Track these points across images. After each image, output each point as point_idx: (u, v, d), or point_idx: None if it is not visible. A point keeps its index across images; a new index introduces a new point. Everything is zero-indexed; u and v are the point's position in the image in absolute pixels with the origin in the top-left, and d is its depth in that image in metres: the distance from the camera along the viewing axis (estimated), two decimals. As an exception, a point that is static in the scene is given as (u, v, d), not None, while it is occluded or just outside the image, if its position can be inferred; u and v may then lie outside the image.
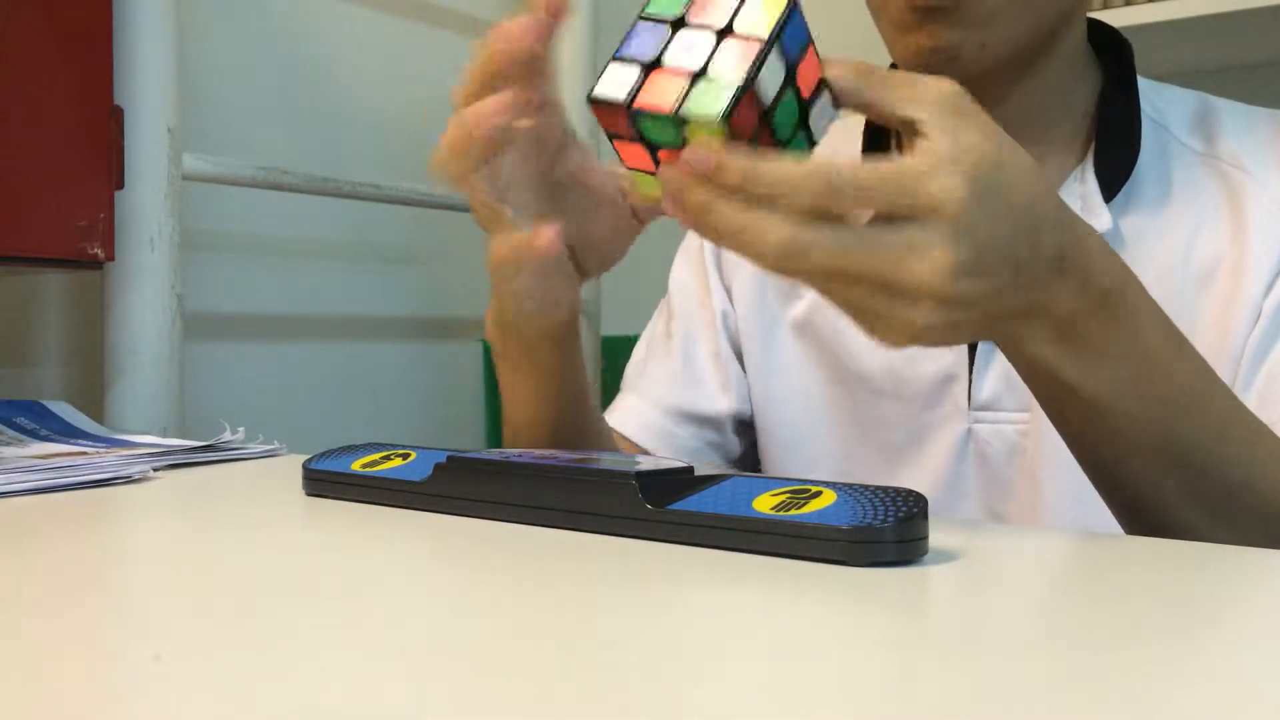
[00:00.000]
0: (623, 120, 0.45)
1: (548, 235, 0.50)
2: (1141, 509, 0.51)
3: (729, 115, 0.42)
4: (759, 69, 0.43)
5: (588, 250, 0.55)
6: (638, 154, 0.47)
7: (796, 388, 0.76)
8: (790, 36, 0.44)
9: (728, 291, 0.80)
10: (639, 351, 0.86)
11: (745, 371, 0.79)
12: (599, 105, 0.46)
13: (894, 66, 0.74)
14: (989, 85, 0.62)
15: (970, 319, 0.44)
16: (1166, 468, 0.50)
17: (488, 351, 1.35)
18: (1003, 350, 0.50)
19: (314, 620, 0.31)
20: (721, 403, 0.78)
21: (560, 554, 0.40)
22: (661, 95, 0.44)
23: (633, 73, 0.45)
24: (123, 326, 0.88)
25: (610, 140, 0.47)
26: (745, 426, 0.80)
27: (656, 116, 0.44)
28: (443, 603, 0.34)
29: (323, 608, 0.33)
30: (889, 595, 0.34)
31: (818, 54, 0.46)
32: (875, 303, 0.44)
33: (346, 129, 1.21)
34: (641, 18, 0.47)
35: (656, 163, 0.46)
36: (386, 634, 0.30)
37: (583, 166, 0.54)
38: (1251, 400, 0.61)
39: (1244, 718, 0.24)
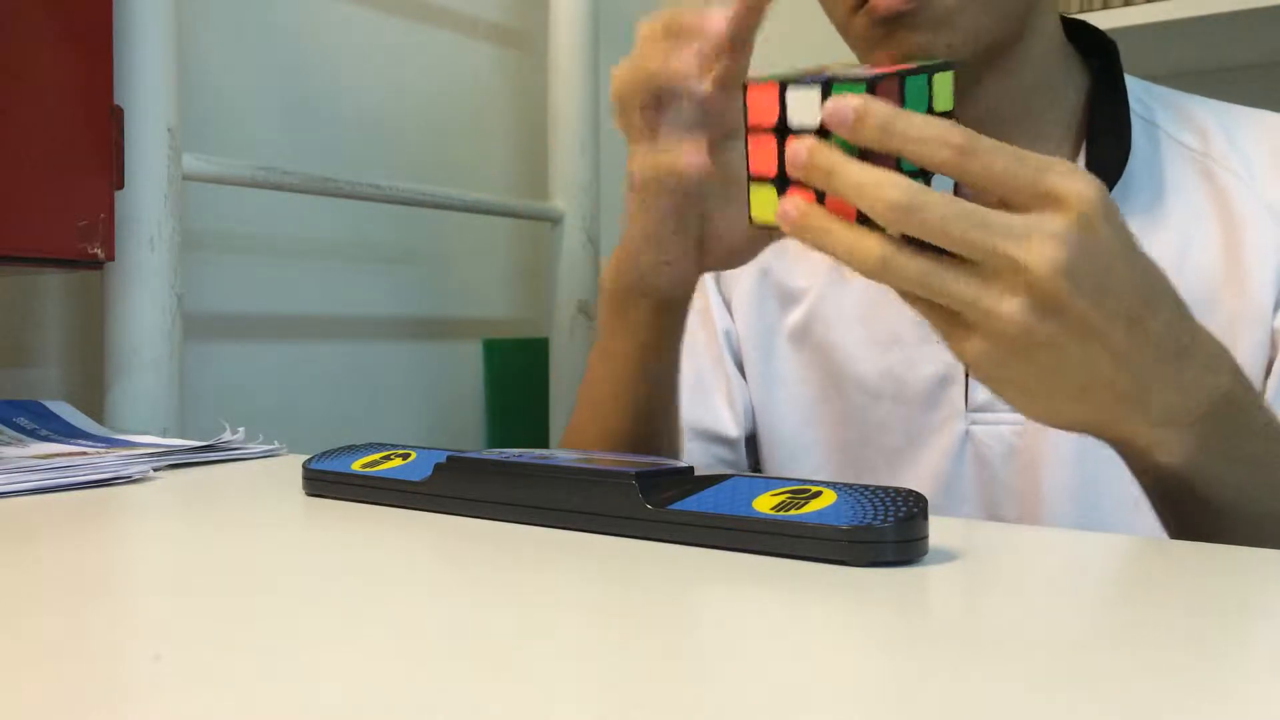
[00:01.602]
0: (772, 98, 0.47)
1: (695, 155, 0.51)
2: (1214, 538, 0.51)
3: (877, 82, 0.44)
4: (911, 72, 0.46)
5: (714, 242, 0.56)
6: (767, 154, 0.48)
7: (795, 395, 0.76)
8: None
9: (728, 306, 0.80)
10: None
11: (746, 382, 0.79)
12: (753, 84, 0.48)
13: None
14: (963, 83, 0.63)
15: (1059, 340, 0.42)
16: (1258, 523, 0.49)
17: (488, 351, 1.35)
18: (1119, 449, 0.48)
19: (314, 620, 0.31)
20: (729, 420, 0.79)
21: (560, 554, 0.40)
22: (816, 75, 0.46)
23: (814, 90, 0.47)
24: (123, 326, 0.88)
25: (745, 138, 0.49)
26: (752, 441, 0.80)
27: (915, 74, 0.46)
28: (442, 602, 0.34)
29: (322, 607, 0.33)
30: (889, 595, 0.34)
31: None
32: (971, 291, 0.42)
33: (346, 129, 1.21)
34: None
35: (782, 166, 0.47)
36: (386, 634, 0.30)
37: (734, 163, 0.54)
38: None
39: (1244, 718, 0.24)
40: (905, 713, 0.24)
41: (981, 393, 0.69)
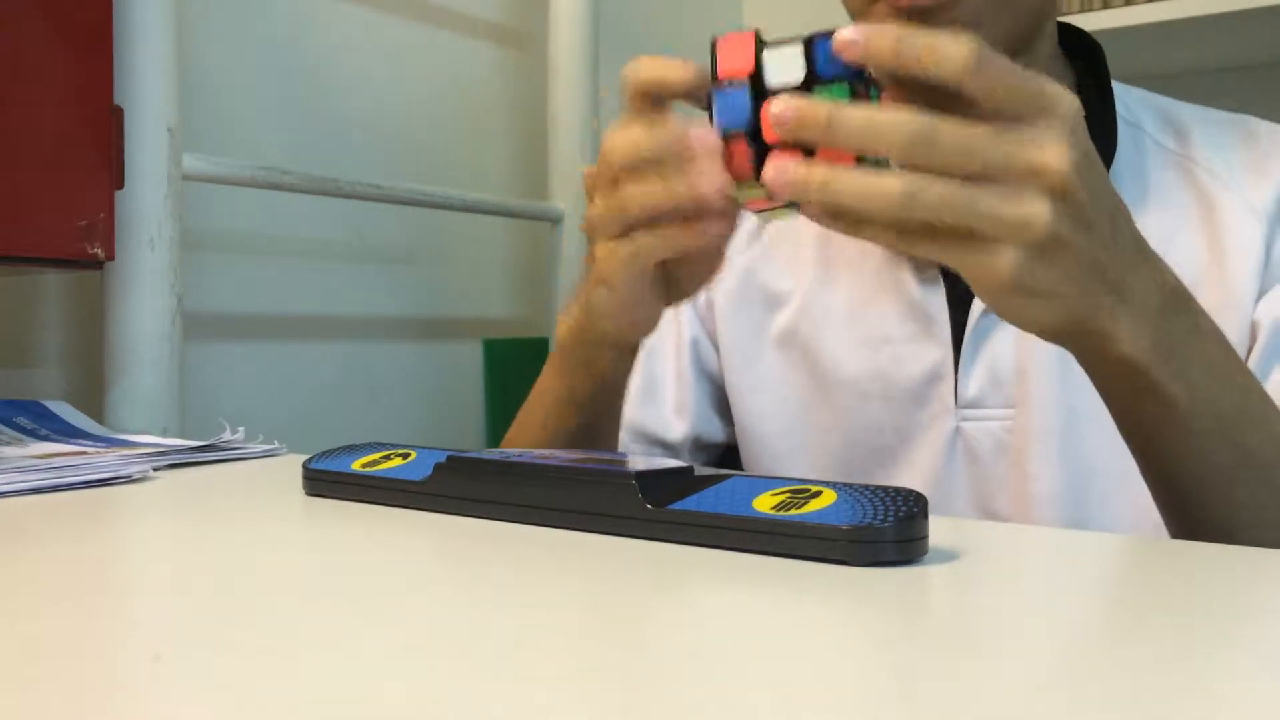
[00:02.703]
0: (748, 57, 0.47)
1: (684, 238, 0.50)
2: (1202, 513, 0.52)
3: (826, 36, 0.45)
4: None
5: (685, 268, 0.55)
6: (741, 159, 0.47)
7: (782, 398, 0.76)
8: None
9: (710, 308, 0.80)
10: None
11: (727, 389, 0.78)
12: (724, 40, 0.47)
13: None
14: None
15: (1073, 238, 0.44)
16: (1235, 473, 0.50)
17: (488, 351, 1.35)
18: (1092, 347, 0.49)
19: (314, 620, 0.31)
20: (676, 427, 0.79)
21: (560, 554, 0.40)
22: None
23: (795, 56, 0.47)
24: (123, 326, 0.88)
25: (725, 142, 0.48)
26: (704, 445, 0.81)
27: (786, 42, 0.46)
28: (443, 602, 0.34)
29: (322, 607, 0.33)
30: (889, 595, 0.34)
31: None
32: (996, 201, 0.43)
33: (346, 129, 1.21)
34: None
35: (758, 168, 0.47)
36: (386, 634, 0.30)
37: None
38: None
39: (1243, 717, 0.24)
40: (905, 713, 0.24)
41: (971, 389, 0.69)
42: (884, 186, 0.43)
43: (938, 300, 0.70)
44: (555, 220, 1.31)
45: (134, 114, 0.87)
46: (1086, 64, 0.72)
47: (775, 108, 0.44)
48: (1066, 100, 0.44)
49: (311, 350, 1.18)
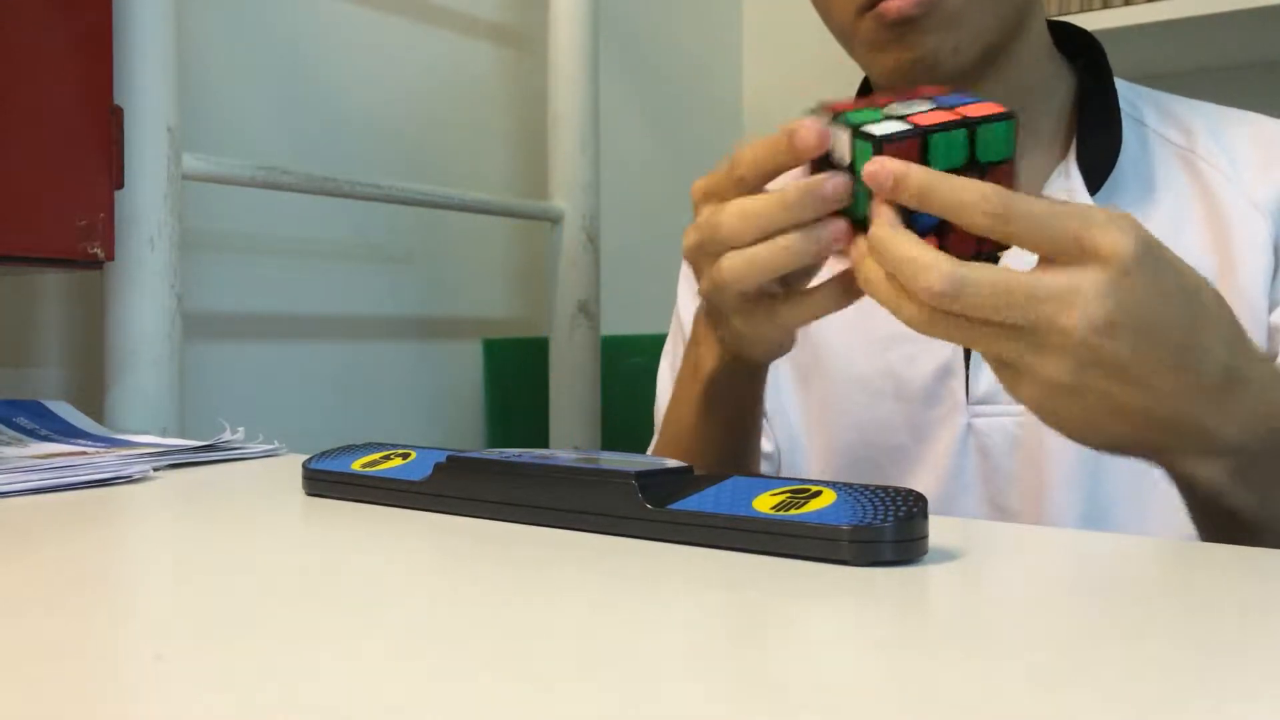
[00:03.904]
0: (913, 154, 0.47)
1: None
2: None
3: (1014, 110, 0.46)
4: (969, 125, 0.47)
5: (804, 279, 0.56)
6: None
7: (798, 398, 0.76)
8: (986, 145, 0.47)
9: None
10: (663, 386, 0.85)
11: None
12: (890, 142, 0.47)
13: (867, 85, 0.75)
14: (963, 86, 0.63)
15: (1104, 386, 0.44)
16: None
17: (488, 351, 1.35)
18: (1155, 462, 0.48)
19: (314, 620, 0.31)
20: (768, 440, 0.79)
21: (560, 554, 0.40)
22: (933, 119, 0.47)
23: (890, 123, 0.48)
24: (123, 326, 0.88)
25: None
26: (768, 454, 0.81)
27: (951, 128, 0.46)
28: (442, 602, 0.34)
29: (322, 607, 0.33)
30: (889, 595, 0.34)
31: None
32: (1017, 350, 0.44)
33: (346, 129, 1.21)
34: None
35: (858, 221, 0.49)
36: (386, 633, 0.30)
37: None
38: None
39: (1246, 717, 0.24)
40: (905, 712, 0.24)
41: (982, 385, 0.69)
42: (909, 308, 0.45)
43: None
44: (555, 220, 1.31)
45: (134, 114, 0.87)
46: (1087, 62, 0.72)
47: (870, 167, 0.46)
48: (1115, 243, 0.42)
49: (311, 350, 1.18)
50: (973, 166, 0.47)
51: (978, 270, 0.43)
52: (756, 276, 0.51)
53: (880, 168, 0.45)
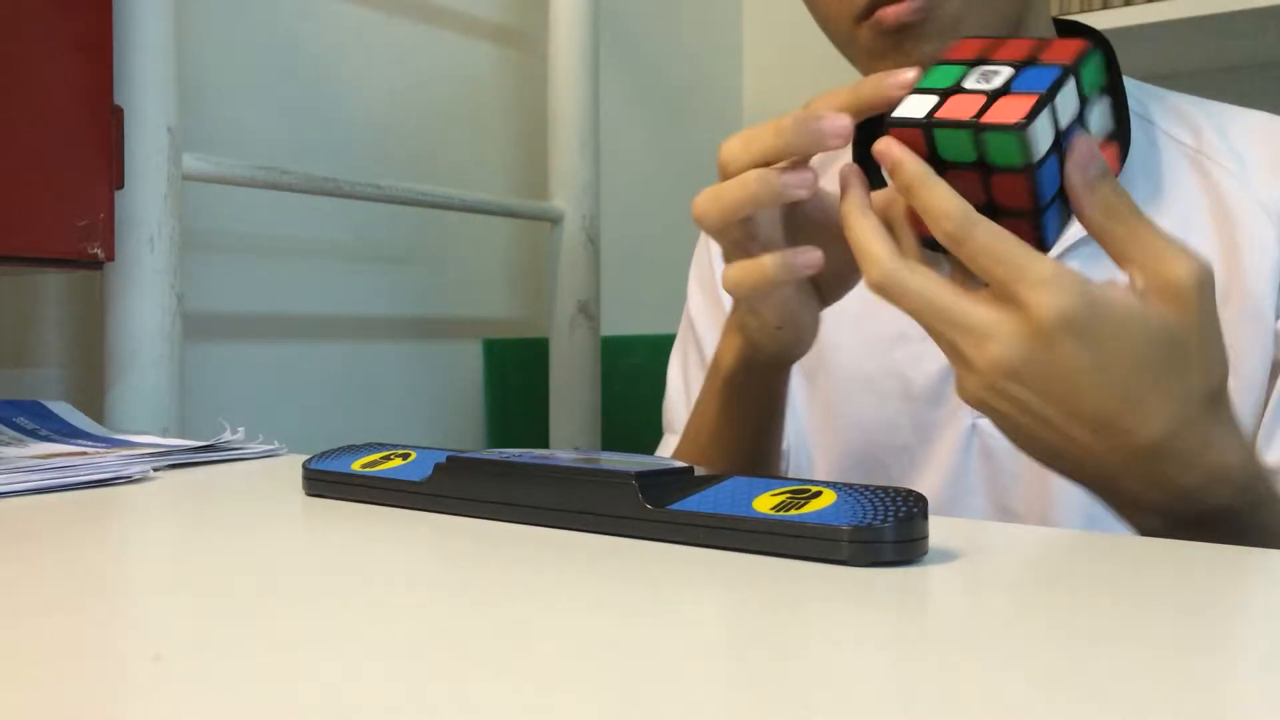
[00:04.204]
0: (919, 142, 0.48)
1: (812, 255, 0.52)
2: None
3: (1028, 123, 0.45)
4: (1059, 87, 0.46)
5: (825, 278, 0.57)
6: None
7: (805, 398, 0.76)
8: (1063, 101, 0.46)
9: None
10: (674, 386, 0.85)
11: None
12: (897, 126, 0.49)
13: None
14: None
15: (1014, 415, 0.46)
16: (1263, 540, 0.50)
17: (488, 351, 1.35)
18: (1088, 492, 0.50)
19: (314, 620, 0.31)
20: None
21: (560, 554, 0.40)
22: (961, 109, 0.47)
23: (930, 99, 0.48)
24: (123, 326, 0.88)
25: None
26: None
27: (956, 128, 0.46)
28: (443, 602, 0.34)
29: (323, 608, 0.33)
30: (889, 595, 0.34)
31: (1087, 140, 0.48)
32: (949, 351, 0.47)
33: (346, 129, 1.21)
34: (916, 90, 0.49)
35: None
36: (386, 634, 0.30)
37: (816, 201, 0.55)
38: None
39: (1246, 718, 0.24)
40: (905, 713, 0.24)
41: None
42: (876, 254, 0.47)
43: None
44: (555, 220, 1.31)
45: (134, 114, 0.87)
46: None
47: (879, 146, 0.48)
48: (1040, 303, 0.43)
49: (311, 350, 1.18)
50: (982, 167, 0.47)
51: (918, 278, 0.46)
52: (720, 212, 0.52)
53: (886, 149, 0.47)
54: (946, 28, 0.62)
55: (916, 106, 0.48)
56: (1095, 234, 0.46)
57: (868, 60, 0.66)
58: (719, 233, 0.53)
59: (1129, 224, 0.45)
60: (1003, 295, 0.45)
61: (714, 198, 0.52)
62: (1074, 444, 0.46)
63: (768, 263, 0.52)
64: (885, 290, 0.47)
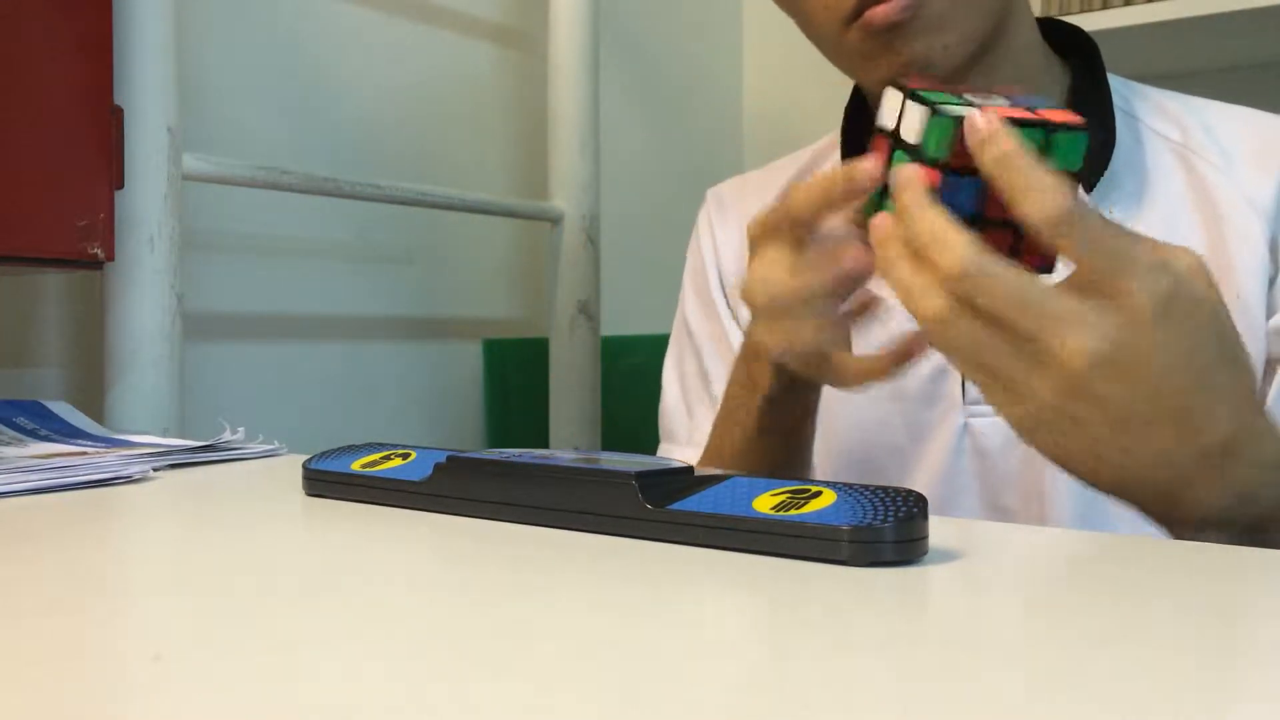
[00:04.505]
0: (896, 103, 0.48)
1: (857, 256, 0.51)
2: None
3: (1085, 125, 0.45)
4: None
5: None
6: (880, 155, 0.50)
7: None
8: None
9: (737, 321, 0.80)
10: (671, 394, 0.85)
11: None
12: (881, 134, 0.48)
13: (859, 94, 0.76)
14: (954, 85, 0.64)
15: (1087, 421, 0.43)
16: None
17: (488, 351, 1.35)
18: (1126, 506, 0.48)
19: (314, 620, 0.31)
20: None
21: (560, 554, 0.40)
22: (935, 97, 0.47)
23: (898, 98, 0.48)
24: (123, 326, 0.88)
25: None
26: None
27: (1023, 125, 0.45)
28: (443, 602, 0.34)
29: (323, 608, 0.33)
30: (889, 595, 0.34)
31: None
32: (1014, 364, 0.43)
33: (346, 129, 1.21)
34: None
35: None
36: (386, 634, 0.30)
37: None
38: None
39: (1246, 717, 0.24)
40: (905, 713, 0.24)
41: None
42: (928, 301, 0.44)
43: None
44: (555, 220, 1.31)
45: (134, 114, 0.87)
46: (1082, 60, 0.72)
47: (977, 120, 0.45)
48: (1138, 290, 0.42)
49: (311, 350, 1.18)
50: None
51: (1000, 265, 0.43)
52: (801, 343, 0.52)
53: (986, 123, 0.44)
54: (934, 25, 0.62)
55: (962, 110, 0.47)
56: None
57: (859, 63, 0.66)
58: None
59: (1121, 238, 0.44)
60: (1092, 286, 0.43)
61: (789, 332, 0.53)
62: (1150, 448, 0.44)
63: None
64: (965, 279, 0.43)
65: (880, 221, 0.46)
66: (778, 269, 0.53)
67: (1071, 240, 0.43)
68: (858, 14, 0.63)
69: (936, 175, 0.46)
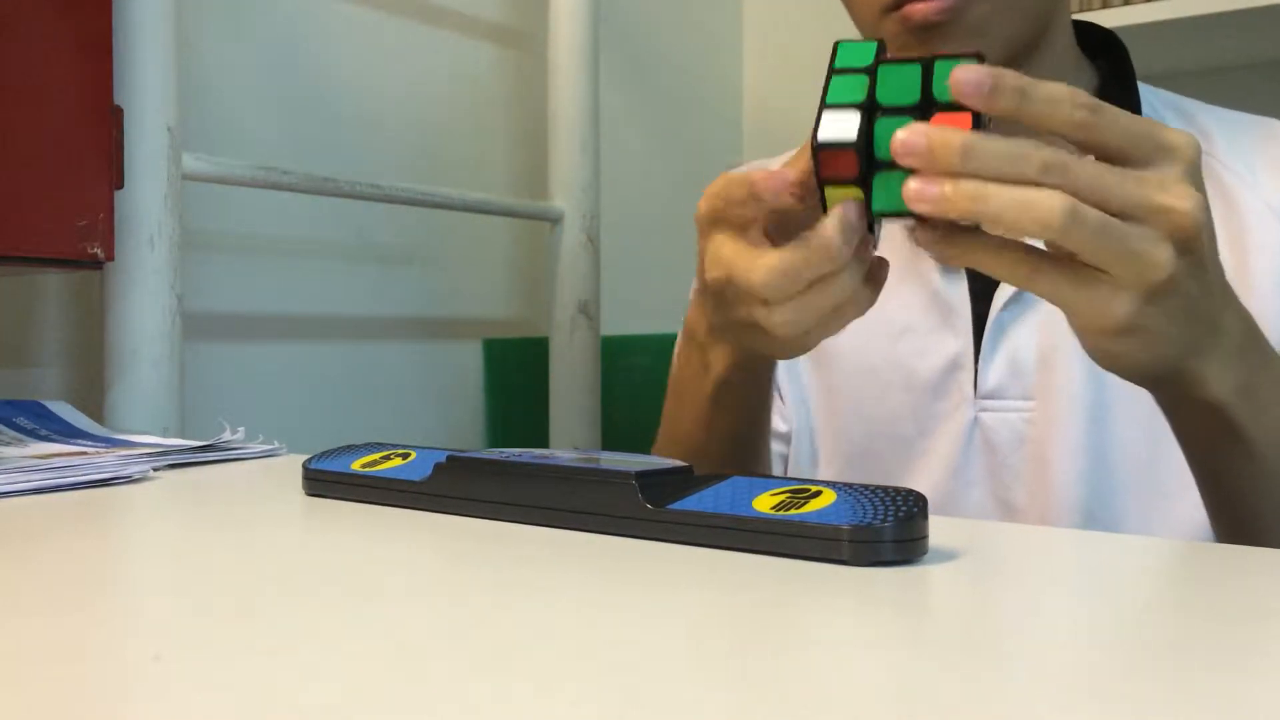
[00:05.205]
0: (849, 160, 0.45)
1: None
2: (1260, 523, 0.53)
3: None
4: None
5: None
6: (849, 167, 0.46)
7: (809, 388, 0.77)
8: None
9: None
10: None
11: None
12: (825, 149, 0.45)
13: None
14: None
15: (1186, 282, 0.44)
16: None
17: (488, 351, 1.35)
18: (1178, 391, 0.49)
19: (314, 620, 0.31)
20: (780, 419, 0.79)
21: (560, 554, 0.40)
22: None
23: (852, 116, 0.45)
24: (123, 326, 0.88)
25: (822, 189, 0.47)
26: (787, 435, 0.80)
27: (905, 63, 0.44)
28: (443, 602, 0.34)
29: (323, 607, 0.33)
30: (889, 595, 0.34)
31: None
32: (1136, 241, 0.43)
33: (346, 129, 1.21)
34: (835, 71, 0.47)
35: (871, 219, 0.46)
36: (386, 634, 0.30)
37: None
38: None
39: (1248, 718, 0.24)
40: (905, 713, 0.24)
41: (990, 379, 0.69)
42: (1046, 201, 0.42)
43: (960, 291, 0.71)
44: (555, 220, 1.31)
45: (134, 114, 0.87)
46: (1109, 62, 0.72)
47: (903, 134, 0.43)
48: (1186, 140, 0.44)
49: (311, 350, 1.18)
50: (926, 107, 0.44)
51: (1080, 158, 0.43)
52: (811, 318, 0.50)
53: (972, 74, 0.43)
54: (974, 30, 0.62)
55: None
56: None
57: (893, 50, 0.65)
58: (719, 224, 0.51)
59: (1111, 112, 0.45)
60: (1144, 152, 0.44)
61: (799, 308, 0.50)
62: (1208, 288, 0.46)
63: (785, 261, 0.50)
64: (1093, 118, 0.43)
65: (935, 182, 0.43)
66: (733, 250, 0.51)
67: (1105, 123, 0.44)
68: (898, 4, 0.63)
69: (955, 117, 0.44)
